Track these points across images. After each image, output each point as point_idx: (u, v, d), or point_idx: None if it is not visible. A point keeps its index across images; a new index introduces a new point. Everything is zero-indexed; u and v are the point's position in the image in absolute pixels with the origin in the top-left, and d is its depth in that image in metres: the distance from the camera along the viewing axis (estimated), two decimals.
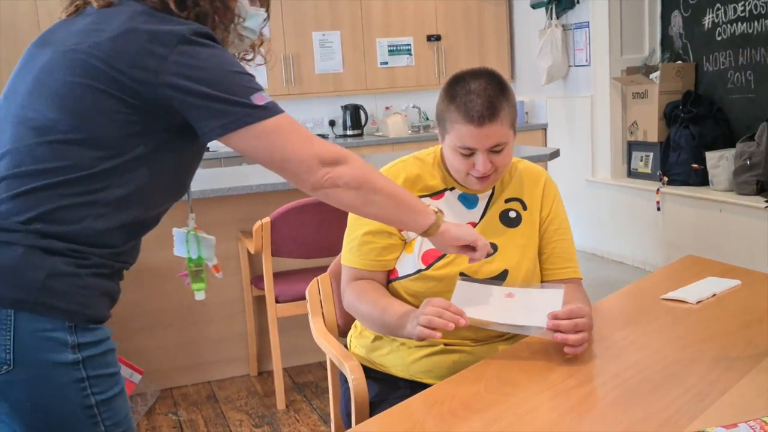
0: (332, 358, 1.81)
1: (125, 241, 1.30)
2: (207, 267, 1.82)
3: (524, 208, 1.72)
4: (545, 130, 5.93)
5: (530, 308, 1.49)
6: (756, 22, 4.32)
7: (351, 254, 1.72)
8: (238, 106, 1.22)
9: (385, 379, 1.71)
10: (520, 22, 6.16)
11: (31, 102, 1.25)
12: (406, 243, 1.69)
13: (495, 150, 1.59)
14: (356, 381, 1.64)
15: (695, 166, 4.48)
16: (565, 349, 1.44)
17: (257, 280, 3.44)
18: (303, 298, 3.14)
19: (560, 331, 1.42)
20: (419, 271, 1.65)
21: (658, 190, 4.61)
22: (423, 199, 1.69)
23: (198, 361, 3.51)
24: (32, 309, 1.18)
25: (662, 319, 1.67)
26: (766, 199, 3.93)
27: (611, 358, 1.46)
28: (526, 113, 6.10)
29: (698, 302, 1.75)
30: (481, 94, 1.56)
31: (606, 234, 5.23)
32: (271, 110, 1.25)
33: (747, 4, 4.37)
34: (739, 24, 4.44)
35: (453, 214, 1.69)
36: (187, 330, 3.48)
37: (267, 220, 3.08)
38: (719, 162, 4.31)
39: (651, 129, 4.84)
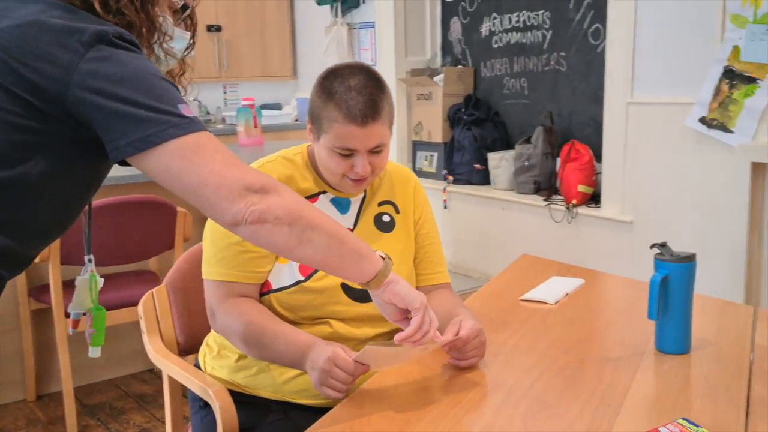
0: (185, 381, 1.60)
1: None
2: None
3: (397, 211, 1.65)
4: None
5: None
6: (529, 33, 4.65)
7: (222, 266, 1.51)
8: (165, 115, 1.02)
9: (254, 403, 1.54)
10: (303, 18, 6.09)
11: None
12: None
13: (375, 151, 1.50)
14: (224, 408, 1.46)
15: (477, 166, 4.72)
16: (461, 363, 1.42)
17: (37, 291, 3.02)
18: None
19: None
20: (298, 282, 1.50)
21: (444, 188, 4.80)
22: None
23: None
24: None
25: (530, 320, 1.69)
26: (544, 198, 4.25)
27: (503, 366, 1.44)
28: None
29: (556, 302, 1.80)
30: (363, 92, 1.45)
31: None
32: (197, 124, 1.05)
33: (520, 15, 4.69)
34: (514, 33, 4.76)
35: None
36: None
37: None
38: (500, 163, 4.58)
39: (435, 130, 5.02)
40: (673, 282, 1.43)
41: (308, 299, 1.50)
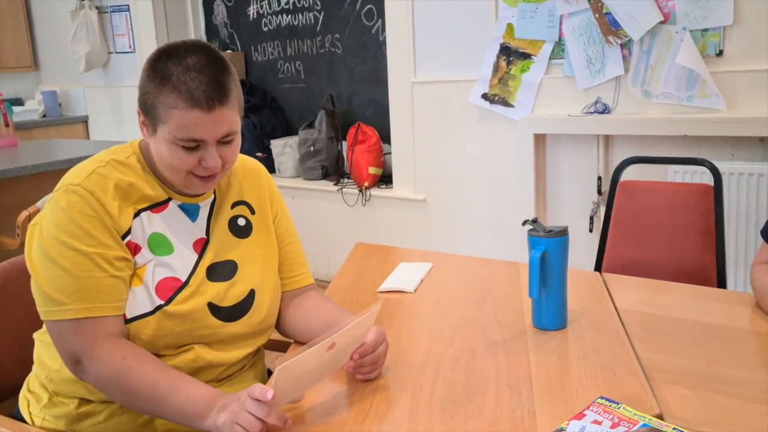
0: None
1: None
2: None
3: (252, 212, 1.46)
4: (86, 122, 5.36)
5: (344, 348, 1.22)
6: (300, 15, 4.54)
7: (80, 299, 1.22)
8: None
9: None
10: (41, 2, 5.42)
11: None
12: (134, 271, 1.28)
13: (225, 141, 1.28)
14: None
15: (260, 154, 4.54)
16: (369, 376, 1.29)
17: None
18: None
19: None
20: (159, 307, 1.26)
21: None
22: (143, 213, 1.30)
23: None
24: None
25: (398, 312, 1.60)
26: (334, 182, 4.19)
27: (394, 365, 1.33)
28: (60, 105, 5.43)
29: (416, 290, 1.73)
30: (204, 71, 1.23)
31: None
32: None
33: None
34: (285, 16, 4.62)
35: (180, 229, 1.34)
36: None
37: None
38: (284, 150, 4.44)
39: None
40: (550, 258, 1.41)
41: (171, 326, 1.27)
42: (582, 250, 3.35)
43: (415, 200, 3.82)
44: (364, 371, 1.27)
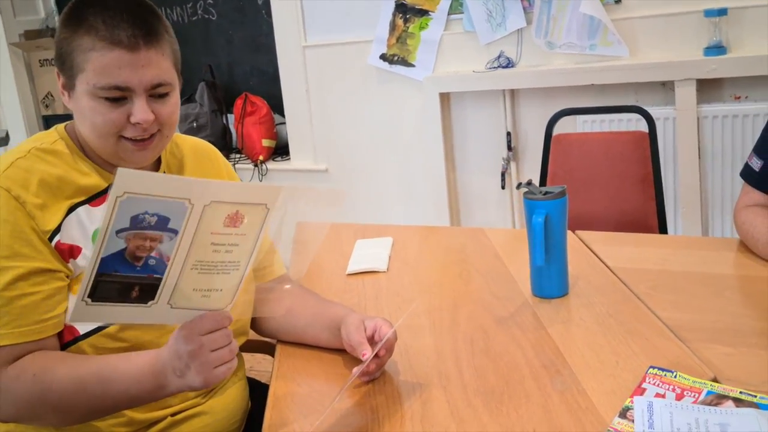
0: None
1: None
2: None
3: None
4: None
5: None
6: None
7: None
8: None
9: None
10: None
11: None
12: (72, 279, 1.06)
13: (157, 93, 1.09)
14: None
15: None
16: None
17: None
18: None
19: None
20: None
21: None
22: (80, 208, 1.09)
23: None
24: None
25: (381, 296, 1.44)
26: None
27: (406, 356, 1.18)
28: None
29: (388, 268, 1.58)
30: (125, 9, 1.06)
31: None
32: None
33: None
34: None
35: None
36: None
37: None
38: None
39: None
40: (552, 222, 1.31)
41: (134, 336, 1.08)
42: (495, 208, 3.31)
43: (316, 171, 3.63)
44: (373, 369, 1.12)
